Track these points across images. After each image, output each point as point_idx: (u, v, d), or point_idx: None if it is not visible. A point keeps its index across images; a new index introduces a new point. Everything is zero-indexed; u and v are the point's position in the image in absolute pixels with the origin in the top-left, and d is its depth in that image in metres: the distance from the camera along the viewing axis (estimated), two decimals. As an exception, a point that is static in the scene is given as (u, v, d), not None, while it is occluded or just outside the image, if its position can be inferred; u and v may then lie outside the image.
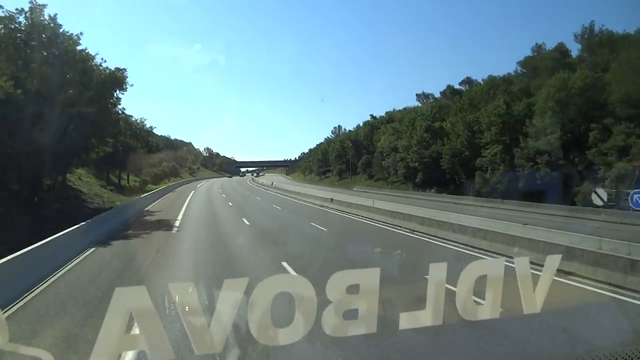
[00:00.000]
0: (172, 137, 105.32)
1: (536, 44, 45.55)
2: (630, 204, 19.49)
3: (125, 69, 21.90)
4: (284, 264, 9.75)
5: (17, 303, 6.89)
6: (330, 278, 1.61)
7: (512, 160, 32.46)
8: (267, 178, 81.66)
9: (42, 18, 18.32)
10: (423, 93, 63.26)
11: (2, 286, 7.02)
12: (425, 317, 1.74)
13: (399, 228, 15.65)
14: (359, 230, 16.51)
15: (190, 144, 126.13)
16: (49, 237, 9.89)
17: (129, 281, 8.64)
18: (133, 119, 35.04)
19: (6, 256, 7.59)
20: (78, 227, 12.21)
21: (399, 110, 63.60)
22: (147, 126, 40.34)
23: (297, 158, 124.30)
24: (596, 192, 22.26)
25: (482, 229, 12.41)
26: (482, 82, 47.95)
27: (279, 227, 17.25)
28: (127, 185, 41.71)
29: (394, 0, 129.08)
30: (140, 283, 12.14)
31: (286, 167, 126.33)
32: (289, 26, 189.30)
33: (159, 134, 59.57)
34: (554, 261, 1.92)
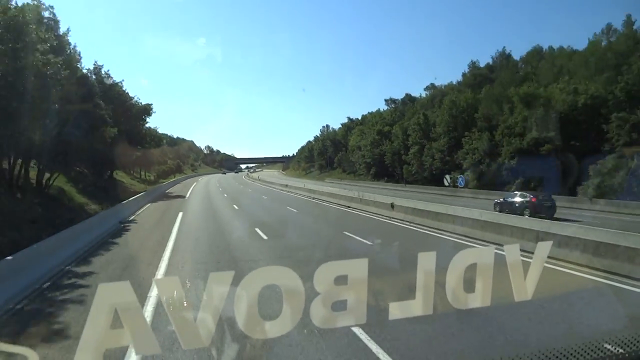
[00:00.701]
0: (175, 136, 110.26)
1: (471, 61, 60.95)
2: (458, 184, 36.27)
3: (151, 104, 37.38)
4: (257, 230, 14.13)
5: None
6: (318, 269, 1.59)
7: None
8: (263, 174, 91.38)
9: (102, 75, 30.33)
10: (390, 98, 73.98)
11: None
12: (415, 307, 1.73)
13: (342, 206, 23.66)
14: (315, 208, 24.21)
15: (192, 142, 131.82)
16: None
17: (175, 210, 21.45)
18: (149, 127, 45.38)
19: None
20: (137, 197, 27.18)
21: (370, 113, 75.80)
22: (158, 129, 51.54)
23: (294, 154, 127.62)
24: (445, 178, 38.51)
25: (377, 200, 20.76)
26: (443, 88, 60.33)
27: (257, 206, 25.76)
28: (145, 179, 53.96)
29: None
30: (177, 212, 20.81)
31: (284, 162, 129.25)
32: (286, 21, 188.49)
33: (162, 132, 67.01)
34: (544, 248, 1.91)
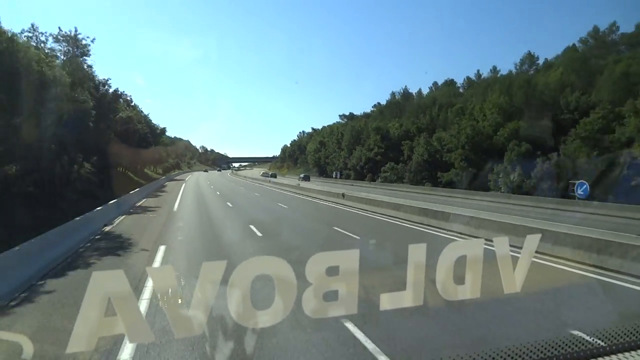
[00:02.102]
0: (172, 135, 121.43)
1: (434, 82, 72.59)
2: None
3: (165, 127, 65.85)
4: (228, 203, 22.58)
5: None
6: (309, 260, 1.61)
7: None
8: (247, 172, 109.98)
9: (142, 113, 50.80)
10: (344, 114, 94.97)
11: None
12: (405, 298, 1.75)
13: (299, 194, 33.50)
14: (272, 193, 34.78)
15: (188, 141, 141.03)
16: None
17: (177, 184, 50.11)
18: (156, 126, 62.91)
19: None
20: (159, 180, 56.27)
21: (325, 126, 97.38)
22: (161, 127, 66.97)
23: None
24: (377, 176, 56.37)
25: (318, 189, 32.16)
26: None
27: (230, 191, 38.14)
28: (157, 173, 74.00)
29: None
30: (178, 186, 44.64)
31: (272, 161, 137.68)
32: (282, 20, 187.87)
33: (157, 125, 79.45)
34: (533, 241, 1.94)
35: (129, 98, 44.31)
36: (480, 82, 57.08)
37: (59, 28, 25.51)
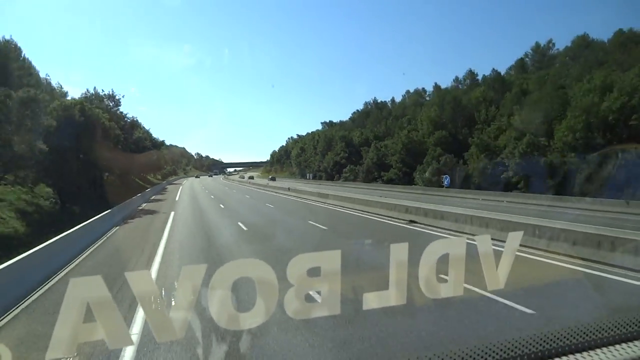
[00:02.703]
0: (169, 143, 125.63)
1: (410, 89, 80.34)
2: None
3: (164, 140, 78.29)
4: (221, 205, 27.97)
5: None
6: (291, 261, 1.61)
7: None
8: (237, 176, 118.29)
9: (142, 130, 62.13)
10: (325, 122, 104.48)
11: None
12: (389, 297, 1.75)
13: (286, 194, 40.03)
14: (257, 193, 44.36)
15: (183, 148, 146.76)
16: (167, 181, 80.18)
17: (175, 187, 63.27)
18: (157, 139, 77.91)
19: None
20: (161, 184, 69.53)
21: (308, 133, 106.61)
22: (160, 140, 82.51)
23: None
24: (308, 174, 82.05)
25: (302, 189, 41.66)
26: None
27: (219, 191, 48.43)
28: (157, 179, 78.64)
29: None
30: (176, 188, 59.89)
31: (264, 166, 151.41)
32: (274, 26, 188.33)
33: (157, 138, 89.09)
34: (515, 238, 1.95)
35: (138, 121, 58.64)
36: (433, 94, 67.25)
37: (102, 90, 44.12)
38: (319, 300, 1.65)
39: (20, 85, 24.16)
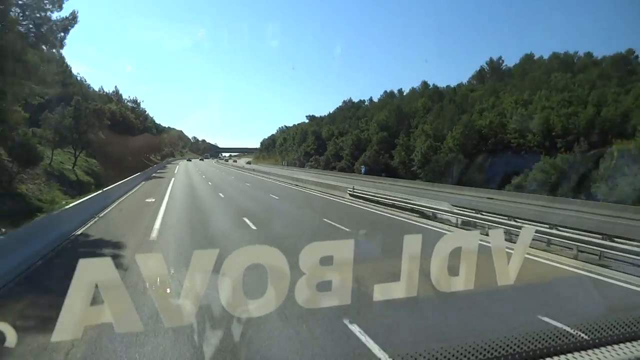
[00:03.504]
0: (166, 125, 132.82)
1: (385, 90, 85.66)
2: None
3: (168, 126, 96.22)
4: (204, 178, 42.21)
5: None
6: (303, 250, 1.59)
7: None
8: (230, 161, 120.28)
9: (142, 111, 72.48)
10: (309, 115, 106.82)
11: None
12: (399, 289, 1.74)
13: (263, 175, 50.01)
14: (243, 175, 51.28)
15: (181, 131, 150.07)
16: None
17: (174, 165, 79.50)
18: (160, 126, 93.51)
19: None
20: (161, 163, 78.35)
21: (294, 125, 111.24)
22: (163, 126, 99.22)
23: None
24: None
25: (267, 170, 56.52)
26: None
27: (210, 172, 56.42)
28: (157, 159, 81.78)
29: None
30: (174, 167, 72.99)
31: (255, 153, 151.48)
32: (275, 7, 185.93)
33: (159, 124, 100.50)
34: (528, 233, 1.93)
35: (148, 113, 72.49)
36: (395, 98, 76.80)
37: (129, 96, 60.22)
38: (331, 290, 1.63)
39: (63, 85, 29.52)
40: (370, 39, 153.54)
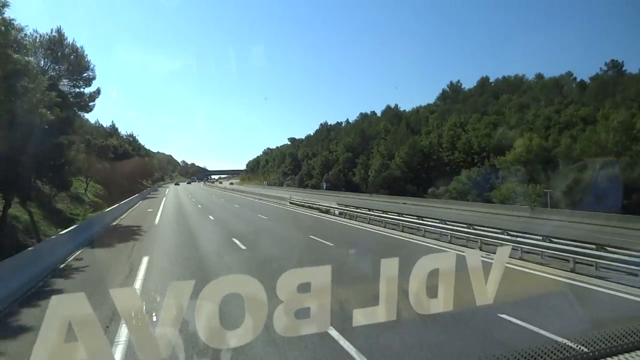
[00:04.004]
0: (155, 150, 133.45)
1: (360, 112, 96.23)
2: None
3: (158, 151, 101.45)
4: (187, 194, 60.37)
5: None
6: (280, 277, 1.59)
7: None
8: (217, 183, 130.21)
9: (137, 142, 77.08)
10: (291, 138, 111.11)
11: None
12: (379, 313, 1.74)
13: (245, 195, 56.87)
14: (222, 193, 62.97)
15: (170, 155, 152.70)
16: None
17: (164, 188, 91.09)
18: (151, 151, 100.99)
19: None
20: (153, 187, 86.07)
21: (276, 147, 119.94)
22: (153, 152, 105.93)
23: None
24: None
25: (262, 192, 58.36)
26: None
27: (196, 192, 65.42)
28: (148, 183, 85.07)
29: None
30: (165, 189, 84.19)
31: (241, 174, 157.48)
32: (260, 34, 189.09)
33: (146, 146, 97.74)
34: (504, 252, 1.96)
35: (143, 145, 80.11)
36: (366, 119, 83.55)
37: (126, 132, 68.30)
38: (309, 317, 1.62)
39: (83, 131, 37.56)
40: (351, 64, 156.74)
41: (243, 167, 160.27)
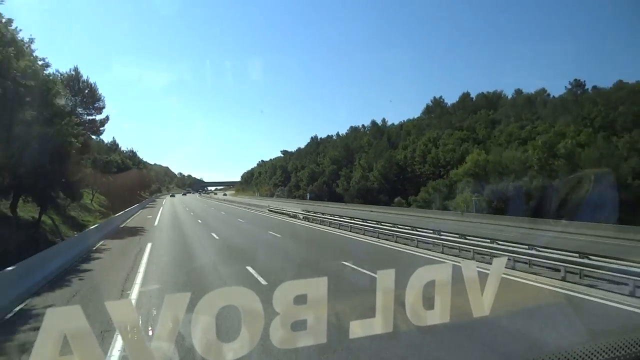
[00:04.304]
0: (152, 162, 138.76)
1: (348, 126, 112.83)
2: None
3: (155, 163, 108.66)
4: (181, 203, 68.48)
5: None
6: (277, 289, 1.59)
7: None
8: (216, 195, 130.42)
9: (137, 158, 78.99)
10: (283, 150, 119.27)
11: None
12: (375, 325, 1.74)
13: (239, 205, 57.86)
14: (214, 203, 69.34)
15: (167, 167, 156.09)
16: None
17: (162, 199, 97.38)
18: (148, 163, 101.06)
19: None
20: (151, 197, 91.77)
21: (270, 159, 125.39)
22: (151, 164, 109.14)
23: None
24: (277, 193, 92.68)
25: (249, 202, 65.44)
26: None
27: (190, 203, 70.77)
28: (146, 194, 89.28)
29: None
30: (162, 200, 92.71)
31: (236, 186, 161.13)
32: (255, 47, 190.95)
33: (143, 159, 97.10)
34: (500, 263, 1.97)
35: (142, 159, 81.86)
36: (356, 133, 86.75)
37: (127, 148, 70.50)
38: (306, 329, 1.62)
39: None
40: (345, 77, 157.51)
41: (239, 178, 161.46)
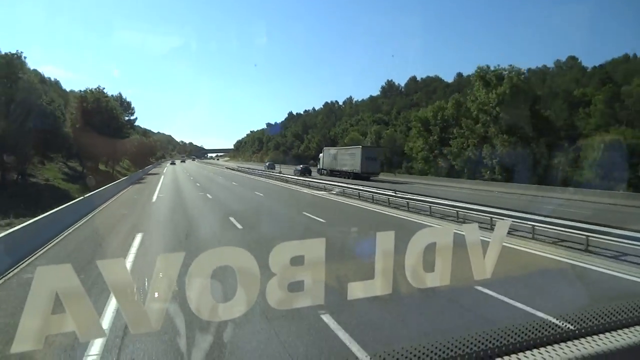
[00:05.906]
0: (155, 130, 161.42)
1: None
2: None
3: (159, 131, 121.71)
4: (179, 167, 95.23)
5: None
6: (273, 250, 1.55)
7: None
8: (209, 160, 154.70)
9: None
10: (268, 123, 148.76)
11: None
12: (374, 287, 1.71)
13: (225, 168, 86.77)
14: (203, 165, 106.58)
15: (170, 136, 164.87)
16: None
17: (164, 163, 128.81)
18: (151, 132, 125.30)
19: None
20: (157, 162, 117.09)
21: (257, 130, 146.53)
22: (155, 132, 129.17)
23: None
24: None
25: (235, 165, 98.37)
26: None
27: (186, 166, 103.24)
28: (153, 160, 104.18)
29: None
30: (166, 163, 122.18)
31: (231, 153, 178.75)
32: (260, 11, 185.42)
33: (146, 128, 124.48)
34: (503, 226, 1.92)
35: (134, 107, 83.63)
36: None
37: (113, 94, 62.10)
38: (303, 290, 1.60)
39: (33, 92, 33.72)
40: (345, 46, 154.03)
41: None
